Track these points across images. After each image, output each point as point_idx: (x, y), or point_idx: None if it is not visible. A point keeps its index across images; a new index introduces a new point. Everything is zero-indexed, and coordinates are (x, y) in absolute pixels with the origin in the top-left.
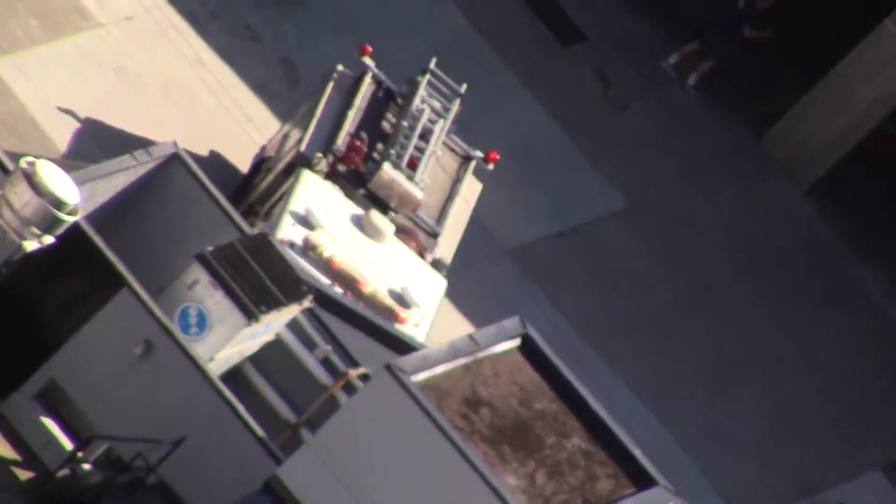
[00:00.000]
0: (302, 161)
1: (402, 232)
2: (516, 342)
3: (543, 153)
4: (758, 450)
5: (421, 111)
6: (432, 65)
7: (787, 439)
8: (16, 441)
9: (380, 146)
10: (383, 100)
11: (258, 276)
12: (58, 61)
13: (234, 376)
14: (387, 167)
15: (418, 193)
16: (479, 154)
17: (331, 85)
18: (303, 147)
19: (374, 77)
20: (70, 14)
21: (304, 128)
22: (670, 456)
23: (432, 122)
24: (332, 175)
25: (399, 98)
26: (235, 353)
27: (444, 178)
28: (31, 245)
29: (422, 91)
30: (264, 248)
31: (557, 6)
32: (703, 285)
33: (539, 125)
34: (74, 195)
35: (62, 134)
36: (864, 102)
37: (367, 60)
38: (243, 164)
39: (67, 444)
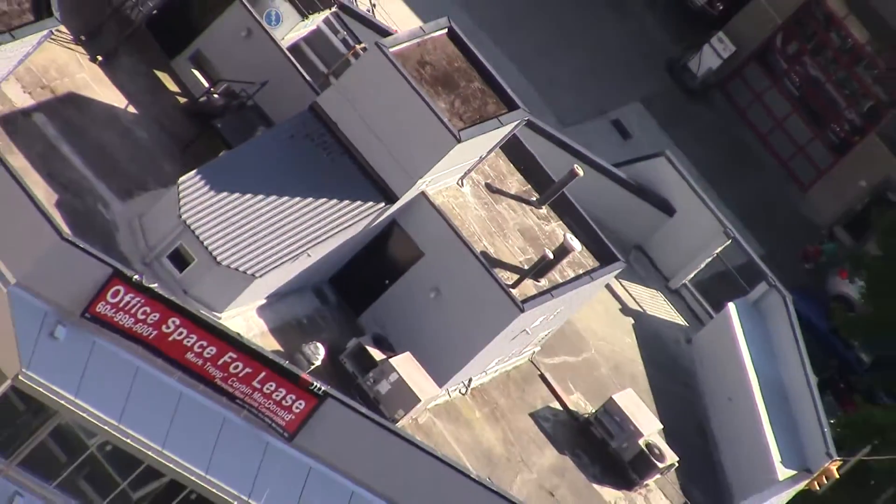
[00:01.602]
0: None
1: None
2: (445, 30)
3: None
4: (574, 89)
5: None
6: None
7: (590, 83)
8: (179, 83)
9: None
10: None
11: None
12: None
13: (294, 49)
14: None
15: None
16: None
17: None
18: None
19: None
20: None
21: None
22: (527, 93)
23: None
24: None
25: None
26: (295, 36)
27: None
28: None
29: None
30: None
31: None
32: (548, 8)
33: None
34: None
35: None
36: None
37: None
38: None
39: (204, 83)
